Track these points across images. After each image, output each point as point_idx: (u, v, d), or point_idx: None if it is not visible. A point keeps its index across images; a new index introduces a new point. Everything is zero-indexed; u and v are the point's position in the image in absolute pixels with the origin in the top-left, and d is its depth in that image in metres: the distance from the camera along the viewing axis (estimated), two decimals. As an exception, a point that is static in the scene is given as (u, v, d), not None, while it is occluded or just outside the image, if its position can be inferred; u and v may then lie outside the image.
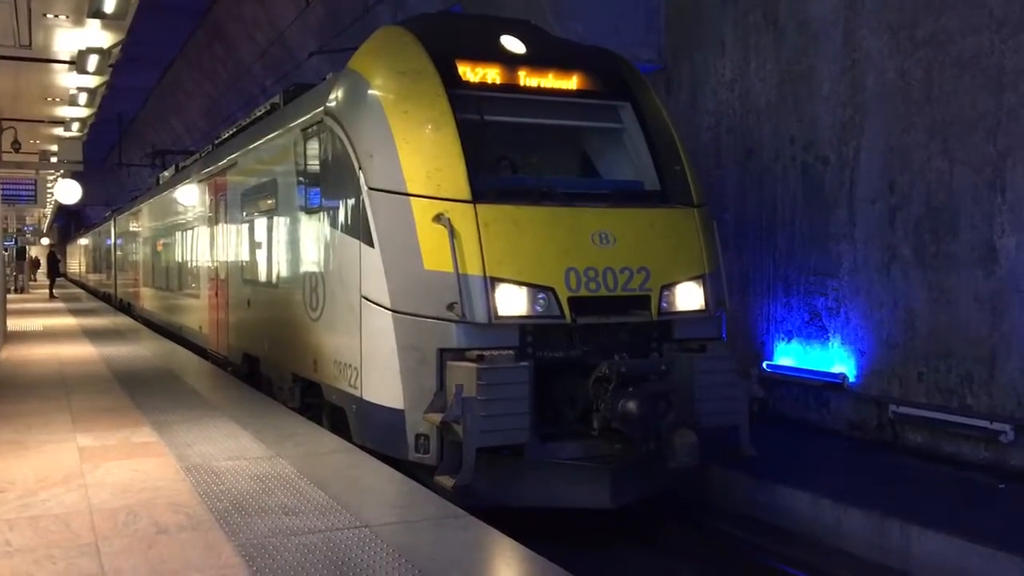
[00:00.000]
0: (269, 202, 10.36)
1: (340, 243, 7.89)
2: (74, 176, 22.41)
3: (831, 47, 9.90)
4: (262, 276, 10.77)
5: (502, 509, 6.62)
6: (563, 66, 8.13)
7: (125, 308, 26.80)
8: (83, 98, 14.04)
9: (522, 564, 4.70)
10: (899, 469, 8.32)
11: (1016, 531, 6.35)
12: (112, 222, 31.83)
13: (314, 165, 8.57)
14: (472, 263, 6.87)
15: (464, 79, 7.67)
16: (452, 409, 6.37)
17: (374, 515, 5.43)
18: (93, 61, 11.26)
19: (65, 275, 59.95)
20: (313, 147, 8.59)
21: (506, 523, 5.61)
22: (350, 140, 7.63)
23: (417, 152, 7.19)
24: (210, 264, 13.82)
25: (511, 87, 7.86)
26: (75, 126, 16.78)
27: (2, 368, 12.52)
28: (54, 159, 19.52)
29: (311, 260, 8.77)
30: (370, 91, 7.62)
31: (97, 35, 10.52)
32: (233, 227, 12.34)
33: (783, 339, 10.65)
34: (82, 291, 43.27)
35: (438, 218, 6.93)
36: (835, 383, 9.81)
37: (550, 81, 8.03)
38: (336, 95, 8.11)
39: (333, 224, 8.07)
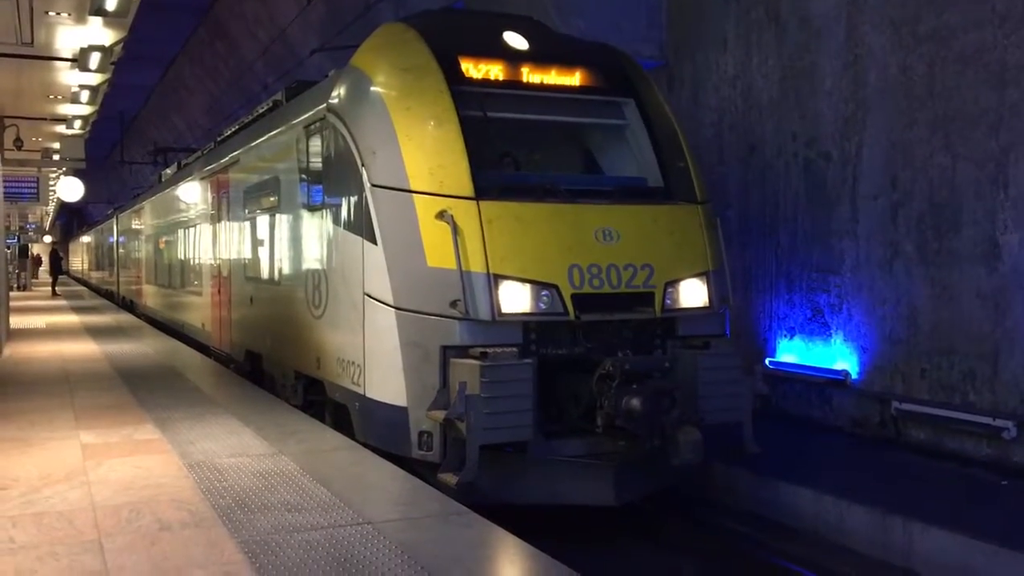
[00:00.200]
0: (272, 199, 10.36)
1: (343, 240, 7.88)
2: (76, 174, 22.42)
3: (833, 43, 9.88)
4: (265, 273, 10.76)
5: (505, 506, 6.63)
6: (566, 62, 8.11)
7: (127, 305, 26.82)
8: (85, 96, 14.03)
9: (525, 561, 4.70)
10: (901, 466, 8.31)
11: (1019, 527, 6.34)
12: (114, 220, 31.84)
13: (317, 162, 8.56)
14: (475, 260, 6.86)
15: (467, 76, 7.65)
16: (455, 406, 6.36)
17: (377, 512, 5.43)
18: (95, 59, 11.25)
19: (67, 273, 60.02)
20: (316, 144, 8.58)
21: (509, 520, 5.61)
22: (353, 137, 7.61)
23: (420, 149, 7.17)
24: (213, 261, 13.82)
25: (514, 83, 7.85)
26: (77, 124, 16.77)
27: (5, 365, 12.53)
28: (56, 157, 19.51)
29: (314, 257, 8.77)
30: (373, 88, 7.60)
31: (99, 33, 10.51)
32: (236, 224, 12.34)
33: (786, 336, 10.64)
34: (84, 289, 43.31)
35: (441, 215, 6.92)
36: (837, 380, 9.81)
37: (553, 77, 8.01)
38: (339, 92, 8.10)
39: (336, 221, 8.06)
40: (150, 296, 22.02)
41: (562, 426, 7.11)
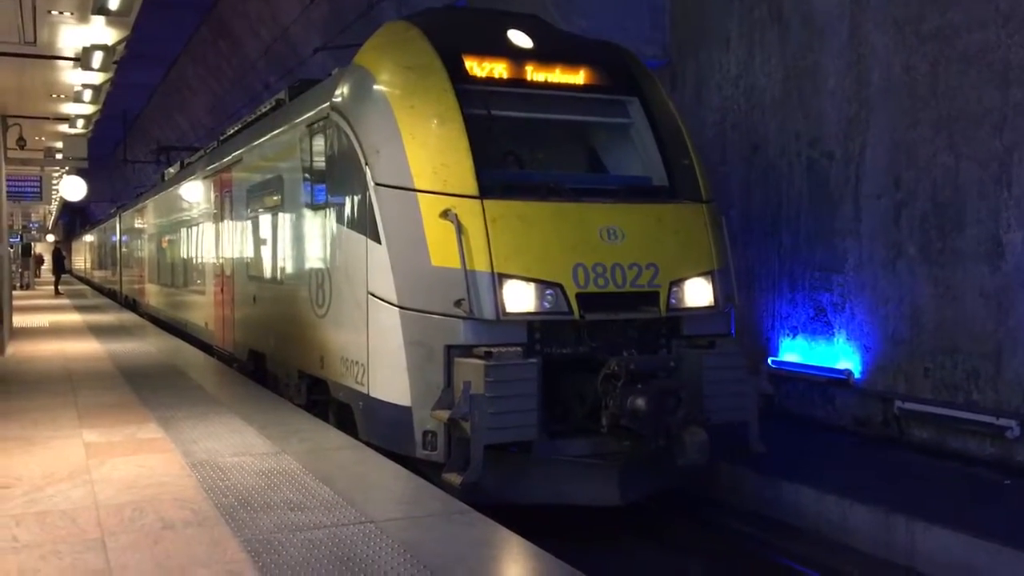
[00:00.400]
0: (275, 198, 10.36)
1: (346, 239, 7.87)
2: (79, 173, 22.43)
3: (836, 42, 9.87)
4: (268, 272, 10.76)
5: (508, 505, 6.62)
6: (570, 61, 8.09)
7: (130, 305, 26.85)
8: (88, 95, 14.03)
9: (528, 561, 4.70)
10: (904, 465, 8.30)
11: (1022, 526, 6.33)
12: (117, 219, 31.87)
13: (320, 161, 8.54)
14: (479, 259, 6.83)
15: (471, 74, 7.62)
16: (460, 406, 6.33)
17: (380, 511, 5.44)
18: (98, 58, 11.25)
19: (70, 272, 60.08)
20: (319, 143, 8.56)
21: (512, 519, 5.61)
22: (356, 135, 7.59)
23: (424, 147, 7.15)
24: (216, 260, 13.83)
25: (518, 82, 7.82)
26: (80, 123, 16.78)
27: (8, 364, 12.55)
28: (59, 156, 19.52)
29: (317, 256, 8.76)
30: (376, 86, 7.59)
31: (102, 32, 10.51)
32: (239, 223, 12.34)
33: (788, 335, 10.63)
34: (87, 288, 43.35)
35: (445, 214, 6.89)
36: (840, 379, 9.80)
37: (557, 76, 7.99)
38: (342, 90, 8.08)
39: (339, 220, 8.05)
40: (153, 295, 22.04)
41: (567, 426, 7.07)
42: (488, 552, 4.79)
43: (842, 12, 9.80)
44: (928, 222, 8.86)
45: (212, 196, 14.19)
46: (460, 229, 6.82)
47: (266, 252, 10.84)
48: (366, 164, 7.38)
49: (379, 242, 7.18)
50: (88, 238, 51.51)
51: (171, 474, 6.34)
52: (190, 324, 16.31)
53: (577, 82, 8.08)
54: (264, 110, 11.90)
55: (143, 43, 20.84)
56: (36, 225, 45.76)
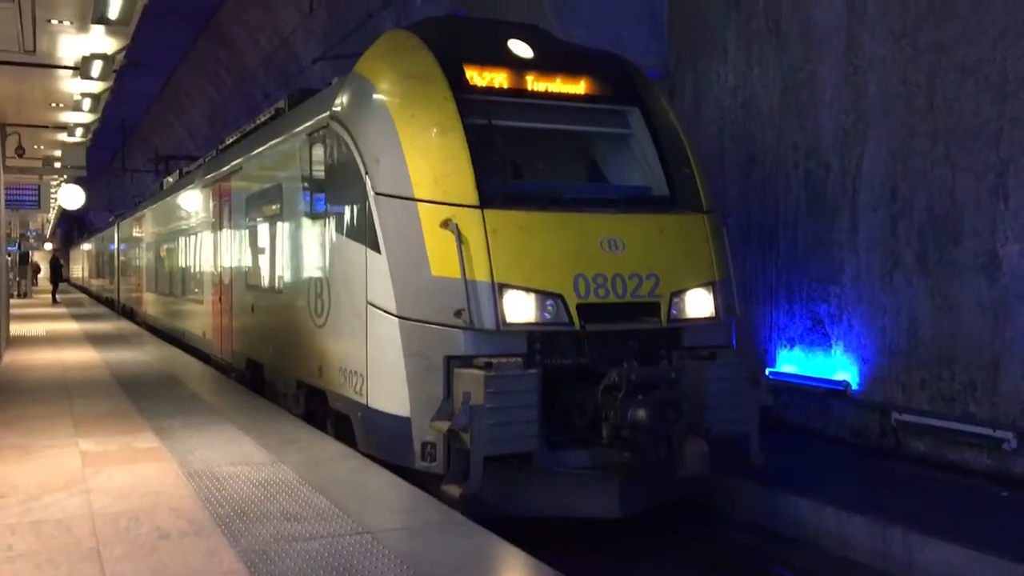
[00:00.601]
0: (274, 207, 10.34)
1: (346, 248, 7.84)
2: (77, 181, 22.45)
3: (833, 54, 9.91)
4: (266, 281, 10.74)
5: (508, 517, 6.59)
6: (571, 70, 8.07)
7: (128, 313, 26.82)
8: (87, 103, 14.05)
9: (526, 572, 4.69)
10: (901, 476, 8.30)
11: (1018, 539, 6.33)
12: (115, 227, 31.86)
13: (320, 170, 8.52)
14: (480, 269, 6.80)
15: (471, 83, 7.61)
16: (459, 417, 6.28)
17: (376, 521, 5.43)
18: (97, 67, 11.27)
19: (68, 280, 60.03)
20: (319, 152, 8.54)
21: (511, 529, 5.60)
22: (356, 144, 7.58)
23: (424, 157, 7.13)
24: (214, 269, 13.81)
25: (519, 91, 7.80)
26: (79, 131, 16.79)
27: (5, 373, 12.53)
28: (58, 164, 19.53)
29: (316, 266, 8.74)
30: (377, 95, 7.57)
31: (101, 41, 10.52)
32: (237, 232, 12.33)
33: (785, 346, 10.64)
34: (85, 296, 43.31)
35: (445, 224, 6.87)
36: (838, 390, 9.79)
37: (558, 85, 7.97)
38: (342, 99, 8.07)
39: (339, 229, 8.03)
40: (151, 304, 22.02)
41: (567, 437, 7.01)
42: (485, 563, 4.78)
43: (839, 24, 9.83)
44: (925, 234, 8.88)
45: (211, 205, 14.19)
46: (460, 239, 6.79)
47: (265, 261, 10.82)
48: (366, 173, 7.36)
49: (379, 251, 7.16)
50: (86, 247, 51.49)
51: (167, 484, 6.32)
52: (188, 333, 16.29)
53: (578, 92, 8.07)
54: (263, 119, 11.89)
55: (142, 52, 20.88)
56: (34, 233, 45.72)
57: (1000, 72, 8.17)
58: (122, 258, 29.54)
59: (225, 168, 13.06)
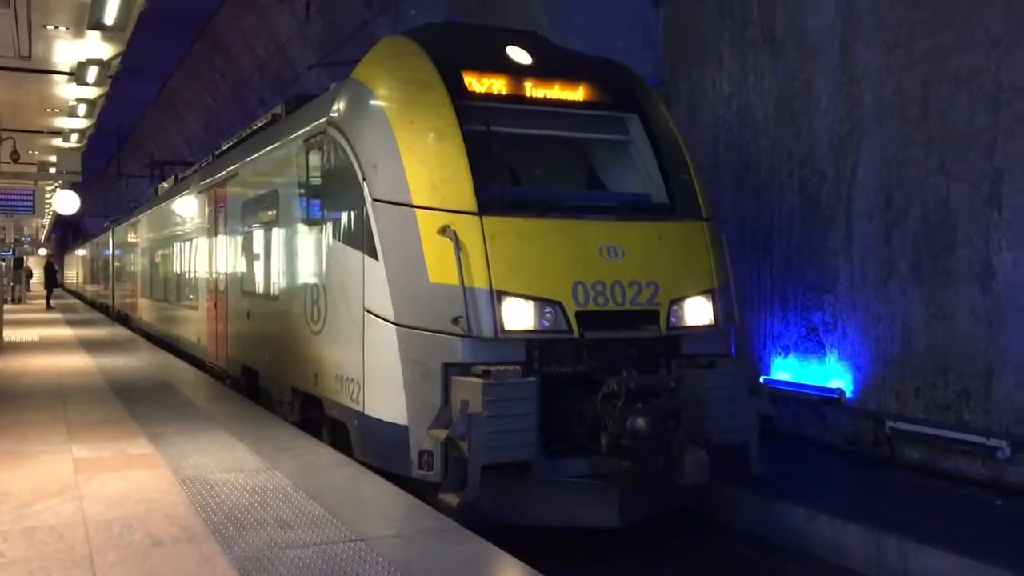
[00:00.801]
0: (270, 213, 10.31)
1: (343, 255, 7.80)
2: (72, 187, 22.45)
3: (828, 63, 9.94)
4: (262, 288, 10.70)
5: (505, 526, 6.56)
6: (569, 77, 8.05)
7: (123, 319, 26.77)
8: (82, 109, 14.08)
9: (518, 579, 4.69)
10: (896, 485, 8.30)
11: (1012, 547, 6.34)
12: (110, 233, 31.82)
13: (316, 176, 8.47)
14: (478, 276, 6.76)
15: (470, 89, 7.57)
16: (457, 425, 6.24)
17: (370, 528, 5.42)
18: (93, 72, 11.30)
19: (62, 285, 59.91)
20: (316, 158, 8.50)
21: (508, 536, 5.59)
22: (354, 150, 7.54)
23: (422, 163, 7.10)
24: (209, 276, 13.79)
25: (517, 98, 7.78)
26: (74, 137, 16.82)
27: (-2, 378, 12.49)
28: (52, 170, 19.54)
29: (313, 272, 8.70)
30: (374, 101, 7.53)
31: (97, 47, 10.56)
32: (233, 238, 12.30)
33: (780, 354, 10.65)
34: (79, 302, 43.21)
35: (443, 230, 6.83)
36: (832, 398, 9.81)
37: (556, 92, 7.95)
38: (339, 105, 8.04)
39: (336, 236, 7.99)
40: (145, 310, 21.99)
41: (565, 445, 6.90)
42: (480, 571, 4.77)
43: (834, 33, 9.87)
44: (919, 242, 8.90)
45: (206, 211, 14.16)
46: (458, 246, 6.76)
47: (261, 267, 10.78)
48: (363, 179, 7.32)
49: (376, 258, 7.11)
50: (81, 252, 51.40)
51: (161, 490, 6.30)
52: (183, 339, 16.26)
53: (576, 98, 8.04)
54: (260, 125, 11.85)
55: (138, 58, 20.82)
56: (29, 239, 45.67)
57: (994, 82, 8.21)
58: (117, 264, 29.49)
59: (221, 174, 13.04)
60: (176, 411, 9.69)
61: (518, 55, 8.05)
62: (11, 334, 19.96)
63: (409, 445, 6.76)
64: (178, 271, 16.86)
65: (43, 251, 61.77)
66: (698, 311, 7.47)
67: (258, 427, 8.76)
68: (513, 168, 8.07)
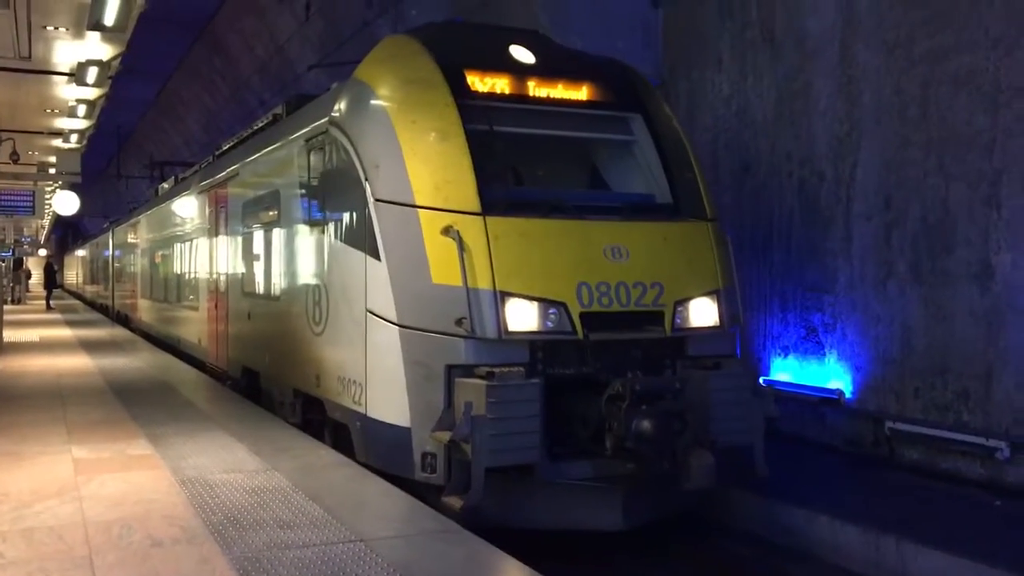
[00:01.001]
0: (271, 213, 10.27)
1: (345, 256, 7.75)
2: (72, 187, 22.46)
3: (827, 63, 9.95)
4: (263, 289, 10.66)
5: (509, 527, 6.54)
6: (573, 76, 8.00)
7: (122, 320, 26.78)
8: (82, 110, 14.09)
9: (517, 579, 4.69)
10: (895, 485, 8.31)
11: (1010, 548, 6.34)
12: (110, 233, 31.82)
13: (318, 176, 8.39)
14: (482, 277, 6.71)
15: (473, 89, 7.52)
16: (461, 427, 6.17)
17: (370, 529, 5.42)
18: (92, 73, 11.31)
19: (62, 286, 59.93)
20: (317, 158, 8.45)
21: (511, 537, 5.59)
22: (356, 150, 7.48)
23: (425, 163, 7.04)
24: (210, 276, 13.78)
25: (520, 97, 7.73)
26: (74, 138, 16.84)
27: (-2, 379, 12.50)
28: (52, 170, 19.55)
29: (314, 273, 8.65)
30: (377, 100, 7.49)
31: (97, 47, 10.57)
32: (234, 239, 12.28)
33: (779, 354, 10.65)
34: (79, 303, 43.22)
35: (447, 231, 6.78)
36: (831, 399, 9.81)
37: (560, 92, 7.90)
38: (341, 105, 7.98)
39: (338, 236, 7.94)
40: (145, 311, 21.99)
41: (569, 448, 6.85)
42: (479, 572, 4.77)
43: (833, 34, 9.88)
44: (919, 243, 8.91)
45: (207, 211, 14.15)
46: (462, 246, 6.70)
47: (262, 268, 10.74)
48: (365, 179, 7.27)
49: (378, 259, 7.05)
50: (80, 253, 51.39)
51: (160, 491, 6.30)
52: (183, 340, 16.25)
53: (580, 98, 7.99)
54: (261, 125, 11.81)
55: (138, 58, 20.83)
56: (28, 239, 45.69)
57: (993, 82, 8.21)
58: (117, 264, 29.49)
59: (222, 174, 13.03)
60: (176, 412, 9.69)
61: (521, 54, 8.00)
62: (11, 335, 19.97)
63: (412, 447, 6.71)
64: (178, 272, 16.85)
65: (43, 252, 61.77)
66: (703, 312, 7.42)
67: (258, 428, 8.76)
68: (516, 168, 8.01)
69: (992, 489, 8.02)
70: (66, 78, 11.94)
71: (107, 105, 15.18)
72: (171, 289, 17.69)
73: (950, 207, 8.59)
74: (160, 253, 19.40)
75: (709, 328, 7.45)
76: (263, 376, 10.61)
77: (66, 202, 22.01)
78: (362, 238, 7.33)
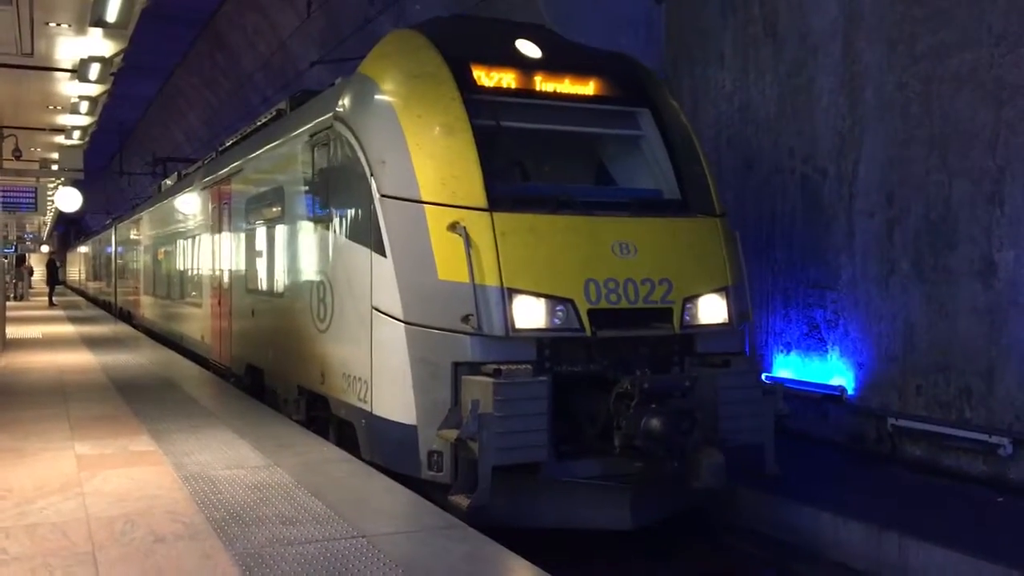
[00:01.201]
0: (275, 210, 10.22)
1: (350, 252, 7.68)
2: (75, 184, 22.46)
3: (830, 60, 9.94)
4: (267, 285, 10.62)
5: (516, 526, 6.51)
6: (580, 71, 7.93)
7: (125, 316, 26.80)
8: (84, 106, 14.09)
9: None
10: (897, 482, 8.31)
11: (1013, 545, 6.34)
12: (113, 230, 31.83)
13: (323, 172, 8.33)
14: (489, 273, 6.65)
15: (479, 83, 7.44)
16: (467, 425, 6.09)
17: (372, 525, 5.42)
18: (95, 70, 11.30)
19: (64, 283, 59.99)
20: (322, 153, 8.37)
21: (517, 533, 5.56)
22: (361, 146, 7.41)
23: (431, 158, 6.98)
24: (213, 273, 13.76)
25: (527, 92, 7.65)
26: (76, 134, 16.84)
27: (1, 375, 12.51)
28: (55, 167, 19.57)
29: (319, 269, 8.59)
30: (382, 95, 7.41)
31: (99, 44, 10.55)
32: (238, 235, 12.25)
33: (782, 351, 10.65)
34: (82, 299, 43.27)
35: (453, 227, 6.72)
36: (834, 395, 9.81)
37: (567, 86, 7.83)
38: (346, 100, 7.91)
39: (343, 232, 7.87)
40: (148, 307, 22.00)
41: (577, 446, 6.79)
42: (481, 568, 4.78)
43: (836, 30, 9.86)
44: (921, 239, 8.90)
45: (210, 207, 14.13)
46: (469, 242, 6.65)
47: (266, 264, 10.69)
48: (371, 175, 7.20)
49: (384, 255, 6.98)
50: (83, 249, 51.43)
51: (163, 487, 6.31)
52: (186, 337, 16.25)
53: (587, 93, 7.91)
54: (264, 120, 11.75)
55: (140, 55, 20.87)
56: (31, 236, 45.71)
57: (996, 79, 8.20)
58: (119, 261, 29.50)
59: (225, 170, 13.00)
60: (178, 408, 9.70)
61: (528, 48, 7.92)
62: (13, 331, 20.00)
63: (418, 446, 6.65)
64: (181, 268, 16.84)
65: (45, 248, 61.83)
66: (712, 309, 7.35)
67: (260, 424, 8.77)
68: (523, 163, 7.93)
69: (994, 486, 8.02)
70: (68, 74, 11.93)
71: (109, 101, 15.17)
72: (174, 286, 17.68)
73: (952, 204, 8.58)
74: (163, 249, 19.40)
75: (718, 325, 7.38)
76: (267, 373, 10.58)
77: (69, 198, 21.99)
78: (367, 234, 7.27)
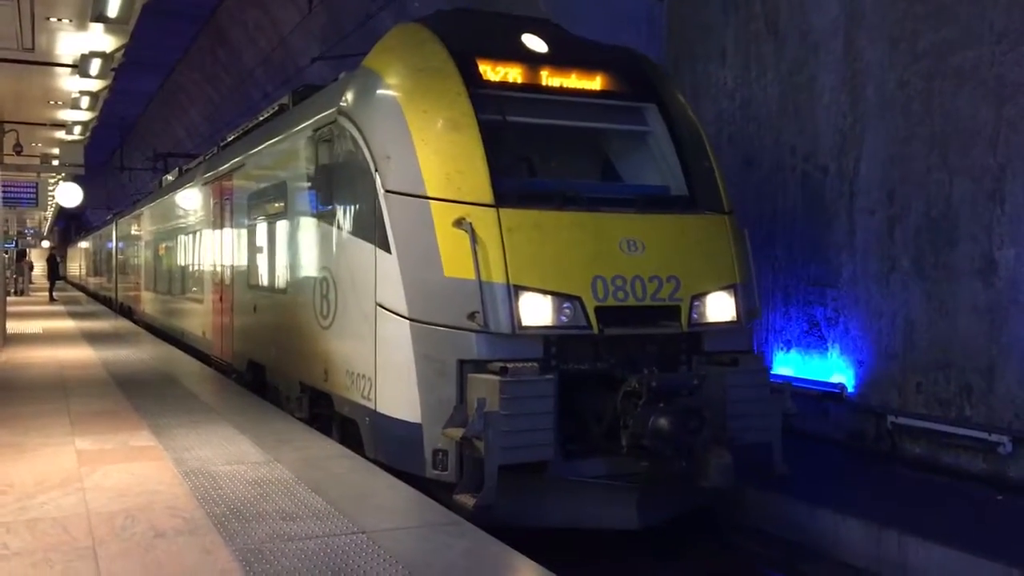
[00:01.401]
0: (278, 205, 10.15)
1: (354, 248, 7.61)
2: (75, 179, 22.47)
3: (831, 57, 9.93)
4: (270, 281, 10.56)
5: (521, 525, 6.48)
6: (586, 66, 7.86)
7: (126, 312, 26.81)
8: (85, 101, 14.07)
9: (519, 573, 4.69)
10: (897, 480, 8.31)
11: (1012, 543, 6.35)
12: (113, 225, 31.82)
13: (326, 167, 8.22)
14: (495, 270, 6.58)
15: (485, 78, 7.36)
16: (473, 424, 6.02)
17: (372, 521, 5.43)
18: (96, 65, 11.29)
19: (65, 278, 60.01)
20: (325, 148, 8.29)
21: (523, 532, 5.55)
22: (365, 141, 7.34)
23: (437, 153, 6.90)
24: (215, 268, 13.73)
25: (534, 87, 7.58)
26: (77, 129, 16.82)
27: (2, 370, 12.52)
28: (55, 162, 19.55)
29: (322, 265, 8.51)
30: (387, 90, 7.33)
31: (100, 39, 10.54)
32: (239, 231, 12.20)
33: (782, 348, 10.65)
34: (82, 294, 43.28)
35: (459, 223, 6.64)
36: (834, 393, 9.81)
37: (573, 81, 7.75)
38: (350, 94, 7.84)
39: (347, 228, 7.81)
40: (149, 303, 22.00)
41: (583, 445, 6.72)
42: (480, 564, 4.78)
43: (837, 28, 9.85)
44: (922, 237, 8.90)
45: (212, 203, 14.09)
46: (475, 239, 6.57)
47: (268, 260, 10.63)
48: (375, 170, 7.14)
49: (389, 251, 6.92)
50: (84, 244, 51.42)
51: (163, 482, 6.32)
52: (187, 333, 16.24)
53: (594, 88, 7.84)
54: (267, 115, 11.69)
55: (141, 50, 20.87)
56: (32, 231, 45.71)
57: (997, 77, 8.19)
58: (120, 256, 29.50)
59: (227, 165, 12.97)
60: (179, 404, 9.71)
61: (534, 43, 7.85)
62: (14, 326, 20.01)
63: (423, 444, 6.59)
64: (182, 264, 16.83)
65: (46, 244, 61.82)
66: (720, 307, 7.29)
67: (261, 420, 8.77)
68: (530, 159, 7.85)
69: (994, 484, 8.02)
70: (69, 70, 11.91)
71: (110, 97, 15.15)
72: (175, 281, 17.67)
73: (953, 202, 8.58)
74: (164, 245, 19.38)
75: (726, 323, 7.32)
76: (269, 370, 10.54)
77: (69, 194, 21.99)
78: (372, 230, 7.21)
